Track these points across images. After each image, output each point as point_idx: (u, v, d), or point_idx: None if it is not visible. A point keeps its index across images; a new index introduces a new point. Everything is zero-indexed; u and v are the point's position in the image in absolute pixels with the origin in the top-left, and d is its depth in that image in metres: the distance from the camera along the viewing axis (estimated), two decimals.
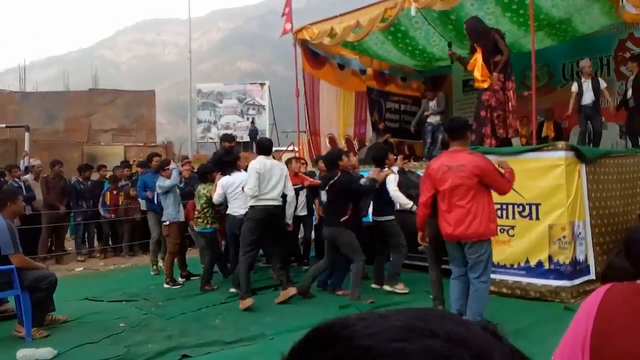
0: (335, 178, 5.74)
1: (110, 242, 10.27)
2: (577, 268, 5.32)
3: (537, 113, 7.71)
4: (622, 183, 6.18)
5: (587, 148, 6.02)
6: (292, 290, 5.68)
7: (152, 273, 7.85)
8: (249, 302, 5.50)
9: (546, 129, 9.43)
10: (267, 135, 21.15)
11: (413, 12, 8.14)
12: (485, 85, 6.40)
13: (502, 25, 8.95)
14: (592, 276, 5.49)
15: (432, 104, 10.08)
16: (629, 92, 7.85)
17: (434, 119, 9.98)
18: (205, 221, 6.68)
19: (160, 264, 7.75)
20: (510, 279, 5.66)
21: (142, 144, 18.31)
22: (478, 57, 6.43)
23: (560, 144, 5.56)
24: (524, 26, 8.61)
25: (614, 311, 1.05)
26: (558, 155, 5.37)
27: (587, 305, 1.14)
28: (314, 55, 10.76)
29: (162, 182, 6.92)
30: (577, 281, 5.32)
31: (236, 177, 6.40)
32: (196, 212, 6.77)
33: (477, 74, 6.40)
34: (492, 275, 5.73)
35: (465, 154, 4.30)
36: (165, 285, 6.84)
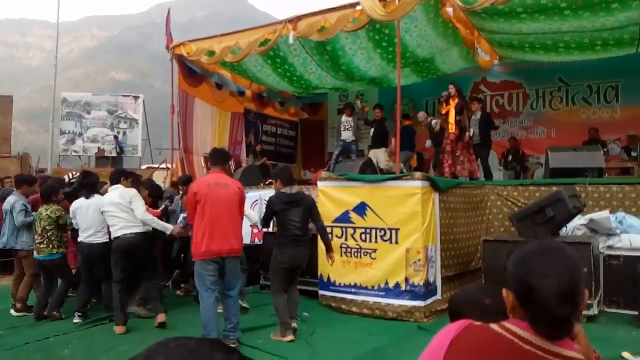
0: None
1: None
2: (428, 289, 5.74)
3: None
4: (468, 212, 6.83)
5: (441, 179, 6.56)
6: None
7: None
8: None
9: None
10: (139, 152, 20.18)
11: (291, 40, 8.39)
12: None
13: (373, 60, 9.56)
14: (439, 297, 5.96)
15: (348, 119, 10.27)
16: (472, 130, 8.40)
17: (346, 135, 10.21)
18: (51, 246, 5.96)
19: None
20: (371, 299, 5.91)
21: None
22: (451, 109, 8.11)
23: (418, 174, 5.99)
24: (393, 62, 9.25)
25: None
26: (415, 185, 5.78)
27: (438, 343, 1.18)
28: (191, 73, 10.56)
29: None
30: (429, 301, 5.73)
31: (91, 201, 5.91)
32: (37, 237, 6.01)
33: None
34: (355, 297, 6.01)
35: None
36: (15, 313, 6.18)
